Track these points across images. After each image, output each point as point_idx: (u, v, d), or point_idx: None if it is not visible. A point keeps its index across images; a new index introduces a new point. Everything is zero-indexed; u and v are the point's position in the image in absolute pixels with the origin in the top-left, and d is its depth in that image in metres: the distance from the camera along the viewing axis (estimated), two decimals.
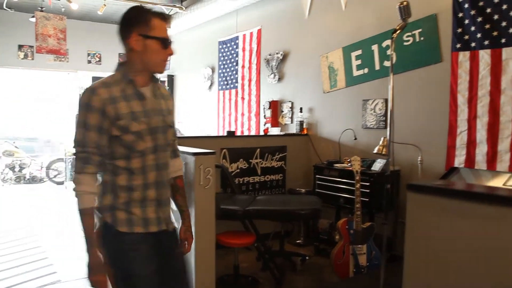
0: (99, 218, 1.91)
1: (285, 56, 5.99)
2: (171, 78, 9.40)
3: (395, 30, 2.71)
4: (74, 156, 1.88)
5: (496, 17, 3.66)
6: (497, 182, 3.56)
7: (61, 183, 9.48)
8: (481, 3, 3.75)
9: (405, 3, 2.66)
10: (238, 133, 6.88)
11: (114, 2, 8.01)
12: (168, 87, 9.44)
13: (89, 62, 10.34)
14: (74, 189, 1.86)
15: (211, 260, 2.66)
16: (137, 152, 1.90)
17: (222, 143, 4.86)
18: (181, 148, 2.81)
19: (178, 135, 6.80)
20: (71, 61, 9.96)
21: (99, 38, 10.27)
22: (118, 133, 1.86)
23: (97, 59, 10.42)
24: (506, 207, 1.14)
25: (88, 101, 1.83)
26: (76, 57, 10.02)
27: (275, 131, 5.90)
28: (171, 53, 1.97)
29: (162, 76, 9.72)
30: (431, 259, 1.31)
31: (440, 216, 1.26)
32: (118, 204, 1.89)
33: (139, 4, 2.00)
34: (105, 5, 7.76)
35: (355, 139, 4.85)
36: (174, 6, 8.17)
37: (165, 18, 1.95)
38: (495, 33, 3.68)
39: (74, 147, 1.87)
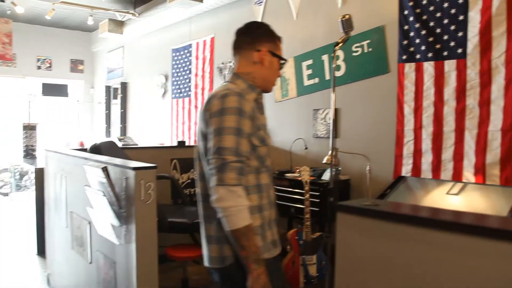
0: (223, 249, 1.75)
1: None
2: (124, 85, 9.20)
3: (337, 43, 2.71)
4: (223, 166, 1.63)
5: (438, 30, 3.76)
6: (441, 191, 3.64)
7: (6, 194, 9.08)
8: (424, 17, 3.85)
9: (347, 16, 2.68)
10: (191, 142, 6.79)
11: (64, 7, 7.79)
12: (121, 95, 9.24)
13: (39, 68, 10.01)
14: (229, 205, 1.62)
15: (153, 280, 2.58)
16: (265, 167, 1.82)
17: (173, 154, 4.78)
18: (120, 162, 2.73)
19: (132, 144, 6.65)
20: (19, 67, 9.61)
21: (50, 43, 9.96)
22: (258, 143, 1.75)
23: (48, 65, 10.10)
24: (432, 230, 1.13)
25: (240, 106, 1.69)
26: (24, 62, 9.67)
27: None
28: (280, 75, 2.00)
29: (114, 83, 9.52)
30: (360, 280, 1.30)
31: (368, 236, 1.25)
32: (255, 228, 1.71)
33: (262, 22, 2.07)
34: (53, 9, 7.51)
35: (306, 148, 4.87)
36: (127, 12, 8.02)
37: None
38: (438, 46, 3.78)
39: (223, 155, 1.64)
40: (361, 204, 1.26)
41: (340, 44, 2.69)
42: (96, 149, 3.61)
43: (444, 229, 1.09)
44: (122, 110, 9.28)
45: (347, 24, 2.65)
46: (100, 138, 9.84)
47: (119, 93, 9.32)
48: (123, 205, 2.55)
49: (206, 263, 1.84)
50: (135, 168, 2.45)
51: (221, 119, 1.67)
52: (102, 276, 2.92)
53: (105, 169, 2.50)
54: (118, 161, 2.84)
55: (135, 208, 2.47)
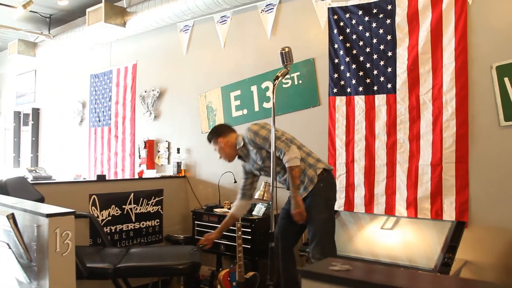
0: None
1: (161, 94, 5.69)
2: (36, 111, 8.51)
3: (277, 77, 2.58)
4: None
5: (368, 65, 3.78)
6: (375, 226, 3.59)
7: None
8: (354, 51, 3.87)
9: (286, 49, 2.55)
10: (111, 174, 6.36)
11: None
12: (32, 121, 8.54)
13: None
14: None
15: None
16: None
17: (91, 189, 4.36)
18: (31, 206, 2.37)
19: (44, 176, 6.09)
20: None
21: None
22: None
23: None
24: None
25: None
26: None
27: (151, 173, 5.52)
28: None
29: (25, 109, 8.81)
30: None
31: None
32: None
33: None
34: None
35: (235, 182, 4.67)
36: (41, 33, 7.46)
37: None
38: (368, 80, 3.80)
39: None
40: (329, 270, 1.08)
41: (280, 78, 2.56)
42: (1, 188, 3.16)
43: None
44: (34, 138, 8.56)
45: (287, 57, 2.53)
46: (7, 168, 9.01)
47: (30, 119, 8.61)
48: (34, 257, 2.20)
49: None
50: (49, 215, 2.12)
51: None
52: None
53: (11, 217, 2.14)
54: (28, 204, 2.47)
55: (48, 261, 2.13)
